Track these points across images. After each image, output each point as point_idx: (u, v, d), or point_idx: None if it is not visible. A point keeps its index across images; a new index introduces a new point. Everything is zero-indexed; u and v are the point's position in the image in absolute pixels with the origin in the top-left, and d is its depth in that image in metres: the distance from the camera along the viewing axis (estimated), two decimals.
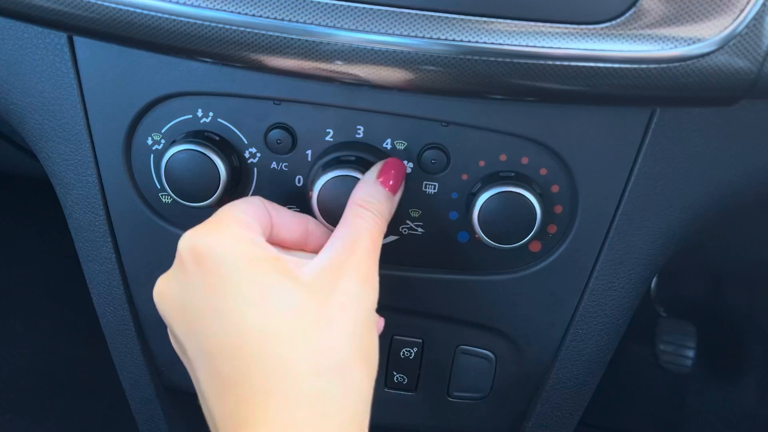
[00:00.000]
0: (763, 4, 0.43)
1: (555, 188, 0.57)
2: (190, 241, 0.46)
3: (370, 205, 0.51)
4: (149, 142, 0.59)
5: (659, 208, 0.57)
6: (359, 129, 0.57)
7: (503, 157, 0.56)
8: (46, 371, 1.37)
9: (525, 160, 0.56)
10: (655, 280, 1.28)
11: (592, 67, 0.45)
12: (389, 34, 0.45)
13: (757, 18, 0.43)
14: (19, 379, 1.35)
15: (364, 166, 0.55)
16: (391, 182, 0.53)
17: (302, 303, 0.43)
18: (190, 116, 0.58)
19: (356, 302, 0.45)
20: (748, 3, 0.44)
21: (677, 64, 0.45)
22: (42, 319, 1.42)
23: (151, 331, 0.70)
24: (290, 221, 0.52)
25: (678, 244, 0.60)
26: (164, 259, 0.65)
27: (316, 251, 0.50)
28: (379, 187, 0.52)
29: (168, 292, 0.47)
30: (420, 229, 0.60)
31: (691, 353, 1.20)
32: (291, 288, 0.44)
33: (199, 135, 0.57)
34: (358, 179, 0.54)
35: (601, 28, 0.44)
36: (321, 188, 0.55)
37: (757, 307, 1.35)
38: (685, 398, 1.39)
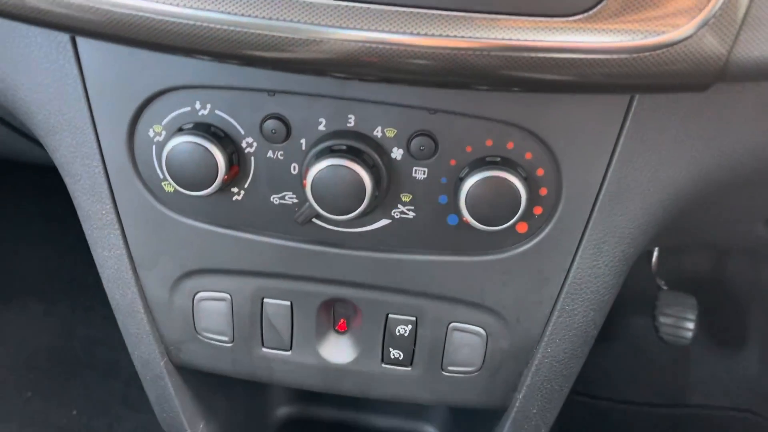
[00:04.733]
0: None
1: (540, 171, 0.59)
2: None
3: None
4: (151, 134, 0.62)
5: (640, 189, 0.59)
6: (350, 118, 0.59)
7: (489, 143, 0.59)
8: (65, 351, 1.42)
9: (510, 145, 0.59)
10: (656, 253, 1.29)
11: (569, 58, 0.47)
12: (373, 30, 0.47)
13: (724, 7, 0.45)
14: (40, 359, 1.40)
15: (355, 154, 0.58)
16: None
17: None
18: (189, 108, 0.60)
19: None
20: None
21: (649, 53, 0.46)
22: (60, 301, 1.47)
23: (159, 312, 0.73)
24: None
25: (660, 224, 0.62)
26: (169, 244, 0.68)
27: None
28: None
29: None
30: (411, 213, 0.63)
31: (690, 325, 1.21)
32: None
33: (197, 127, 0.60)
34: (350, 168, 0.57)
35: (574, 21, 0.46)
36: (314, 177, 0.57)
37: (758, 279, 1.36)
38: (687, 369, 1.41)
